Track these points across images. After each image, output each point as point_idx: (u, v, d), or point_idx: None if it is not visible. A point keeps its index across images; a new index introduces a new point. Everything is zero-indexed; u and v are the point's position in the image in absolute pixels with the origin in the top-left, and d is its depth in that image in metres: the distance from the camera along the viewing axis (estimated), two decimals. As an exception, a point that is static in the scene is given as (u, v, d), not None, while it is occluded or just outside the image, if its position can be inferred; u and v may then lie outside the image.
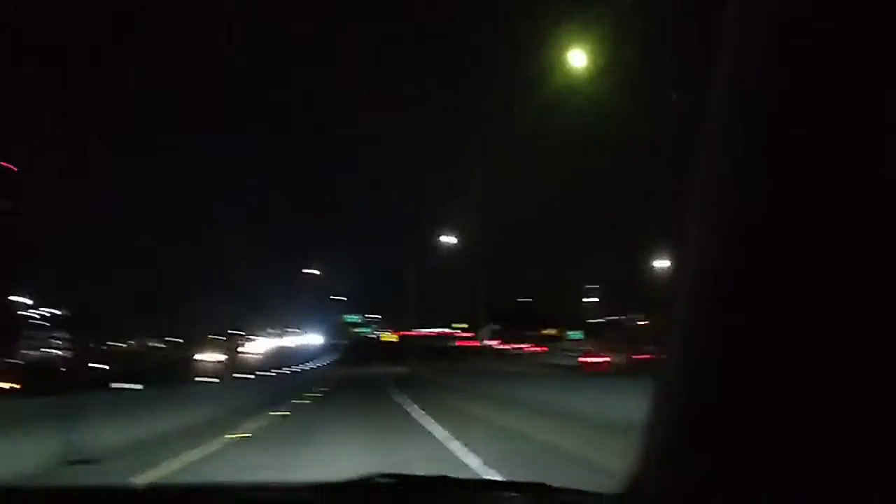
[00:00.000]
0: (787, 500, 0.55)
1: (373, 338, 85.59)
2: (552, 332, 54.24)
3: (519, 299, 65.49)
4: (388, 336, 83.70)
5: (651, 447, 0.73)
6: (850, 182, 0.52)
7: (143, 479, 5.76)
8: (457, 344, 67.26)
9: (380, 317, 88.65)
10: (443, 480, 1.28)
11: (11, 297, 43.29)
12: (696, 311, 0.66)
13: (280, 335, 69.33)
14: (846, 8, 0.53)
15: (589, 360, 33.98)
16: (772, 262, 0.57)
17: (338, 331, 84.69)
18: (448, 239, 31.93)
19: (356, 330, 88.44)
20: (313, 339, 73.04)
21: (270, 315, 67.32)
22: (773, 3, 0.60)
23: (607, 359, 32.71)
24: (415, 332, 68.78)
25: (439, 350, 55.64)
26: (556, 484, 1.22)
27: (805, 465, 0.54)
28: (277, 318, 69.15)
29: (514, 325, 56.70)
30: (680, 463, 0.67)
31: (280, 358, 58.78)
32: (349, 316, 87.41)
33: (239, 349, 61.06)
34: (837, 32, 0.54)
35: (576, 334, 54.92)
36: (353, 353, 66.73)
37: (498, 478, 5.23)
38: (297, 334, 72.30)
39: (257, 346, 63.54)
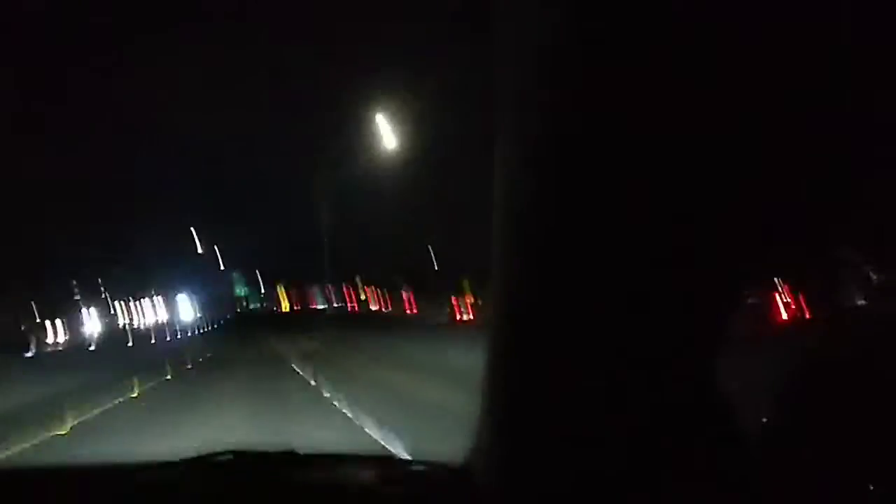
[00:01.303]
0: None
1: (265, 310, 78.82)
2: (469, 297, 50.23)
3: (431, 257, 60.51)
4: (286, 305, 77.96)
5: (487, 410, 0.84)
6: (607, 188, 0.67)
7: None
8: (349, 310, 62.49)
9: (265, 289, 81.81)
10: (289, 455, 1.31)
11: None
12: (509, 287, 0.78)
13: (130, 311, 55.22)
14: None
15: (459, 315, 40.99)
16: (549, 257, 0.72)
17: (222, 304, 77.28)
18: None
19: (247, 304, 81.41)
20: (186, 313, 61.92)
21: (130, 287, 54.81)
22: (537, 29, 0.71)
23: (474, 314, 39.39)
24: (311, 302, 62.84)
25: (351, 318, 49.33)
26: (404, 455, 1.36)
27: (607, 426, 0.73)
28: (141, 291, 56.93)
29: (430, 286, 52.29)
30: (514, 426, 0.79)
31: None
32: (237, 287, 79.86)
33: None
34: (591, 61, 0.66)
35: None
36: (239, 326, 57.13)
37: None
38: (164, 309, 60.16)
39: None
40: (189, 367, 18.70)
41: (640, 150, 0.65)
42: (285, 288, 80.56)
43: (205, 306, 72.53)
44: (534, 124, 0.73)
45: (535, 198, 0.73)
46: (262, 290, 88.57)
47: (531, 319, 0.75)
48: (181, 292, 61.05)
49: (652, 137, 0.65)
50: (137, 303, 53.30)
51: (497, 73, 0.75)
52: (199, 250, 68.92)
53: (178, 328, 51.26)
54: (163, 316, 55.22)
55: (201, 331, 51.96)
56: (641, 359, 0.71)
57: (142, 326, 48.83)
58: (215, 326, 58.25)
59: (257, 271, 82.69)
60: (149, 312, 54.27)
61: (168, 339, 41.25)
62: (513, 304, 0.78)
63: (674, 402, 0.73)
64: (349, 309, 63.54)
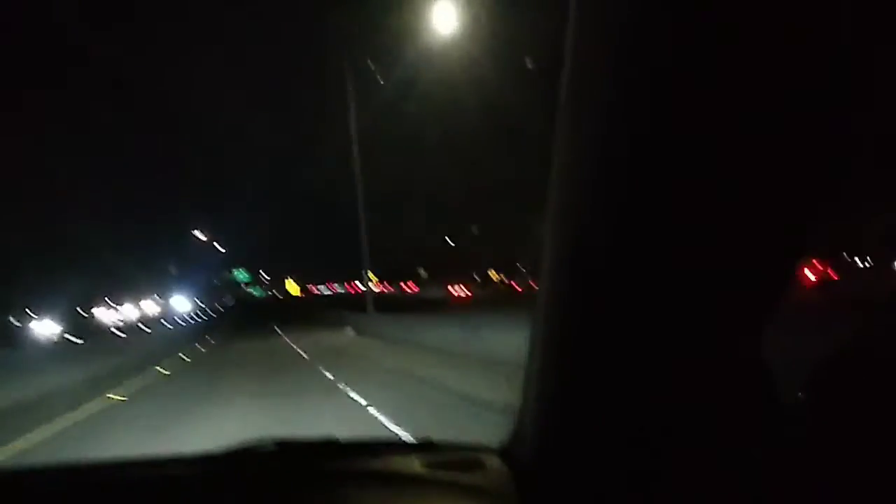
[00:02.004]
0: (657, 447, 0.74)
1: (264, 297, 78.26)
2: (494, 275, 49.70)
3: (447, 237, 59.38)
4: (291, 286, 75.95)
5: (529, 396, 0.87)
6: (695, 176, 0.68)
7: None
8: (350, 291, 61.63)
9: (270, 277, 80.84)
10: (332, 443, 1.36)
11: None
12: (562, 260, 0.79)
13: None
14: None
15: (454, 293, 43.79)
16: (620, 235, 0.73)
17: (221, 292, 76.85)
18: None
19: (247, 290, 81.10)
20: (179, 304, 59.43)
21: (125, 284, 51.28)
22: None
23: (469, 292, 43.64)
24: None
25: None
26: (441, 439, 1.31)
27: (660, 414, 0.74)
28: (137, 287, 53.43)
29: (446, 269, 51.29)
30: (557, 412, 0.82)
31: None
32: (237, 272, 79.57)
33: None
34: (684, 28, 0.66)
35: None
36: (236, 315, 52.84)
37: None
38: (155, 302, 56.93)
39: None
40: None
41: (700, 151, 0.67)
42: (293, 276, 78.89)
43: (203, 295, 71.11)
44: (598, 123, 0.74)
45: (592, 193, 0.74)
46: (268, 277, 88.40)
47: (579, 308, 0.77)
48: (174, 286, 58.19)
49: (712, 138, 0.66)
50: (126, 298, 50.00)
51: (567, 68, 0.76)
52: (202, 238, 67.69)
53: (168, 318, 48.52)
54: (152, 309, 52.07)
55: (191, 322, 48.92)
56: (689, 353, 0.72)
57: (125, 320, 45.48)
58: (209, 316, 55.16)
59: (258, 258, 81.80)
60: (137, 306, 51.07)
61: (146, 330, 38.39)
62: (560, 294, 0.80)
63: (721, 396, 0.75)
64: (357, 293, 63.40)
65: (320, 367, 12.73)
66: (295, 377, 11.83)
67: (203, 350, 22.14)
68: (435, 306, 32.83)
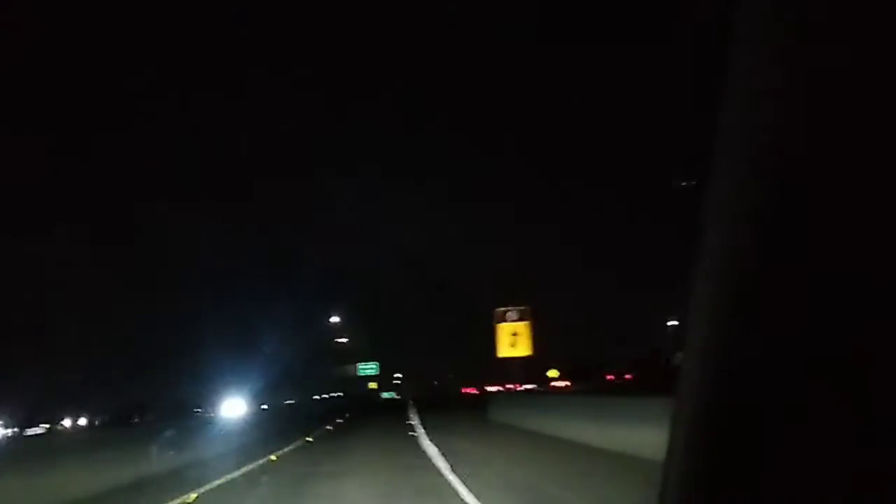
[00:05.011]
0: None
1: (391, 398, 69.04)
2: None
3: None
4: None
5: (670, 486, 0.86)
6: (859, 186, 0.66)
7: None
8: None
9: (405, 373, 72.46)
10: None
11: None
12: (707, 353, 0.79)
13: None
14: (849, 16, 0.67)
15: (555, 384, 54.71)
16: (787, 289, 0.71)
17: (334, 386, 69.29)
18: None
19: (372, 386, 72.42)
20: (232, 408, 46.96)
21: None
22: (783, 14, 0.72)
23: (568, 383, 55.77)
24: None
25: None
26: None
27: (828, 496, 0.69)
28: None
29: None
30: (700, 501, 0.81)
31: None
32: (362, 365, 71.66)
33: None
34: (842, 38, 0.67)
35: None
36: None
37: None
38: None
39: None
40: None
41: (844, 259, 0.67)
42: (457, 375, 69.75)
43: (314, 389, 64.39)
44: (759, 172, 0.73)
45: (751, 253, 0.74)
46: (401, 376, 79.78)
47: (729, 395, 0.75)
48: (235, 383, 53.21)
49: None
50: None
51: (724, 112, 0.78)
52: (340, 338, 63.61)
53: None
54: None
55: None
56: (844, 465, 0.68)
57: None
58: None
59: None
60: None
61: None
62: (705, 392, 0.78)
63: None
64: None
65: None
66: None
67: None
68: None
